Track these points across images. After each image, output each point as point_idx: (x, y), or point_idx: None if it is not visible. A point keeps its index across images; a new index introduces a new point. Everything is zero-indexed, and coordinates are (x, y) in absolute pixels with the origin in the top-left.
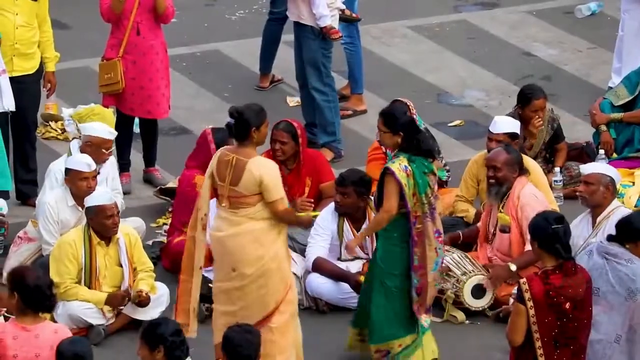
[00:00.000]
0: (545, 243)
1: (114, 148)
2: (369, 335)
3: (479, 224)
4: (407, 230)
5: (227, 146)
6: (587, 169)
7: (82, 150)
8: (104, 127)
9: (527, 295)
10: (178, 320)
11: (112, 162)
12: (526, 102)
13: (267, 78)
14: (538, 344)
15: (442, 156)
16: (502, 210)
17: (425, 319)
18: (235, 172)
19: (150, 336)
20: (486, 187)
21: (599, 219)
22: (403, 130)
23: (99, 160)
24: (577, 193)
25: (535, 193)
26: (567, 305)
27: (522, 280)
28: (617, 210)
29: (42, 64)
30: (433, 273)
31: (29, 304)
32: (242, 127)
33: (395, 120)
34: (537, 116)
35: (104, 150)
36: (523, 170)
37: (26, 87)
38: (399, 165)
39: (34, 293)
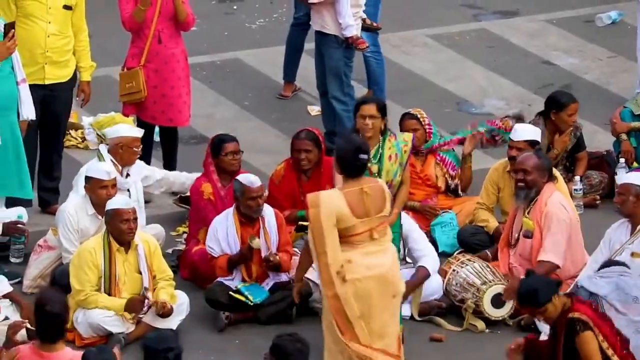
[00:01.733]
0: None
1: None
2: None
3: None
4: None
5: (334, 189)
6: (620, 178)
7: (113, 152)
8: (130, 127)
9: (584, 318)
10: None
11: (138, 170)
12: (562, 106)
13: (290, 87)
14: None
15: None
16: (527, 216)
17: None
18: (375, 200)
19: (144, 347)
20: (514, 191)
21: (639, 226)
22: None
23: (131, 161)
24: (616, 205)
25: (563, 203)
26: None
27: (573, 315)
28: None
29: (76, 73)
30: None
31: (43, 334)
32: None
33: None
34: (572, 119)
35: (134, 149)
36: (552, 177)
37: (59, 95)
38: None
39: (49, 324)
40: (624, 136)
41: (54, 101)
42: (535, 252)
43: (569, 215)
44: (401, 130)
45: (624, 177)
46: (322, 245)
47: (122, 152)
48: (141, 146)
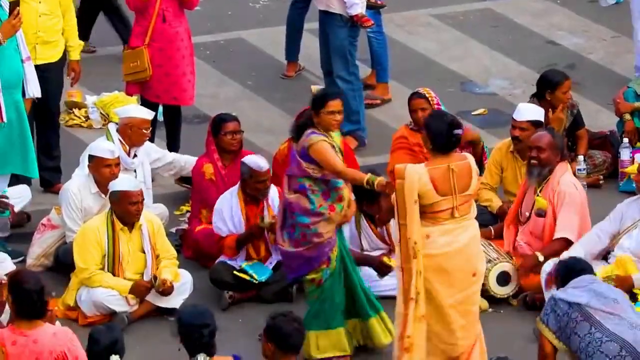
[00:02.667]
0: None
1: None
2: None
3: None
4: None
5: (420, 164)
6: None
7: (122, 132)
8: (141, 108)
9: None
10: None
11: (146, 151)
12: (556, 85)
13: (293, 66)
14: None
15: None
16: (539, 194)
17: None
18: (466, 178)
19: (176, 320)
20: (526, 168)
21: None
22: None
23: (139, 142)
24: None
25: (575, 182)
26: None
27: None
28: None
29: (65, 53)
30: None
31: (20, 310)
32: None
33: None
34: (567, 96)
35: (144, 131)
36: (565, 156)
37: (49, 75)
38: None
39: (24, 300)
40: (627, 116)
41: (45, 81)
42: (548, 230)
43: (579, 194)
44: (410, 109)
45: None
46: (403, 218)
47: (130, 133)
48: (150, 128)
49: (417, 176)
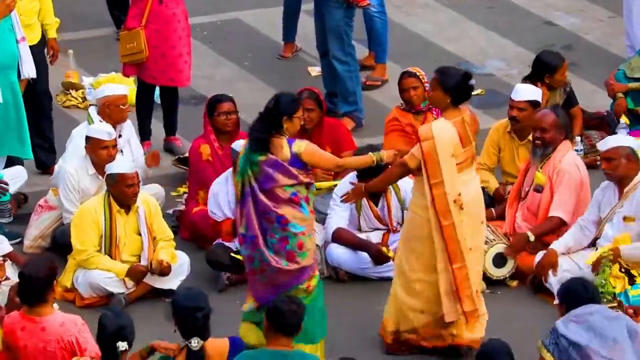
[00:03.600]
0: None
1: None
2: None
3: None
4: None
5: (441, 119)
6: (604, 144)
7: (102, 113)
8: (115, 85)
9: None
10: (465, 308)
11: (129, 124)
12: (555, 68)
13: (290, 47)
14: None
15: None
16: (540, 170)
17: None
18: (472, 127)
19: (171, 303)
20: (531, 148)
21: (625, 189)
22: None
23: (120, 118)
24: (604, 171)
25: (577, 162)
26: None
27: None
28: None
29: (43, 33)
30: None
31: (24, 295)
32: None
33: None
34: (565, 77)
35: (122, 107)
36: (569, 134)
37: (33, 58)
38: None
39: (28, 286)
40: (620, 94)
41: None
42: (543, 207)
43: (580, 175)
44: (400, 89)
45: (606, 142)
46: (436, 176)
47: (109, 112)
48: (128, 104)
49: (448, 130)
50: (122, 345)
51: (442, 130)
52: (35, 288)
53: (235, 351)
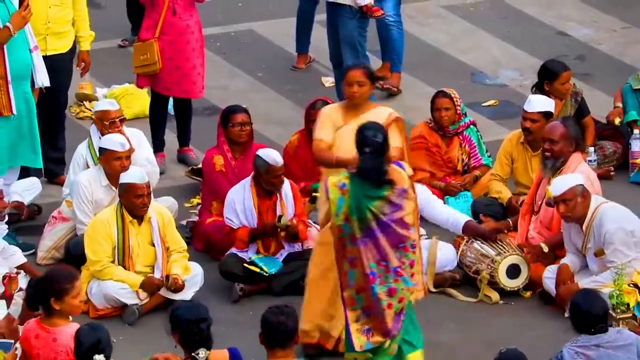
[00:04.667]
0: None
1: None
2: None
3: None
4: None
5: None
6: (557, 188)
7: (99, 128)
8: (104, 101)
9: None
10: None
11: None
12: (554, 76)
13: (303, 58)
14: None
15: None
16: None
17: (366, 342)
18: None
19: (170, 318)
20: (541, 160)
21: (584, 226)
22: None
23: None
24: (562, 215)
25: (589, 174)
26: None
27: None
28: (597, 211)
29: (75, 43)
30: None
31: (31, 304)
32: None
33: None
34: (566, 87)
35: (105, 123)
36: (580, 146)
37: (59, 66)
38: (337, 180)
39: (34, 295)
40: (618, 104)
41: (55, 72)
42: (556, 221)
43: (593, 188)
44: (433, 107)
45: (557, 185)
46: None
47: (101, 126)
48: (116, 119)
49: None
50: (99, 358)
51: None
52: (34, 293)
53: (236, 358)
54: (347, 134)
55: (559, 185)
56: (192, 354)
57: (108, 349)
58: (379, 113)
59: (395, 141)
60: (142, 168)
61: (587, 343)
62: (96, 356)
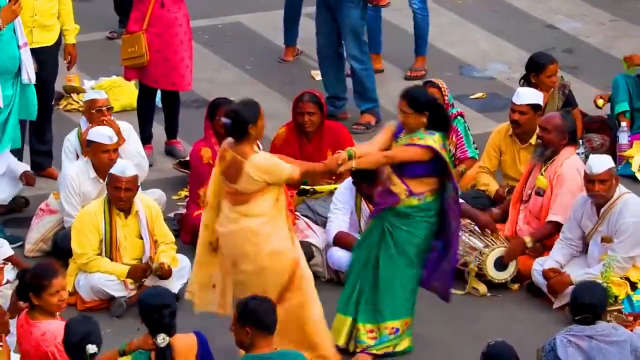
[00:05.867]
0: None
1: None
2: (374, 313)
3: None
4: (443, 206)
5: (228, 140)
6: (598, 166)
7: (88, 118)
8: (93, 92)
9: None
10: None
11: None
12: (541, 68)
13: (291, 51)
14: None
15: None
16: (543, 173)
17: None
18: (233, 170)
19: (138, 302)
20: (533, 146)
21: (603, 209)
22: (429, 110)
23: (98, 122)
24: (594, 192)
25: (579, 167)
26: None
27: None
28: (620, 199)
29: (61, 36)
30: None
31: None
32: (239, 126)
33: (419, 100)
34: (552, 80)
35: (93, 112)
36: (574, 140)
37: (45, 59)
38: (439, 145)
39: (24, 287)
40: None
41: (41, 65)
42: (544, 210)
43: (581, 179)
44: None
45: (598, 163)
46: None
47: (89, 116)
48: (103, 107)
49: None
50: (91, 348)
51: None
52: (23, 285)
53: (203, 343)
54: None
55: (599, 164)
56: (153, 338)
57: (99, 340)
58: None
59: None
60: (132, 159)
61: (580, 333)
62: (89, 346)
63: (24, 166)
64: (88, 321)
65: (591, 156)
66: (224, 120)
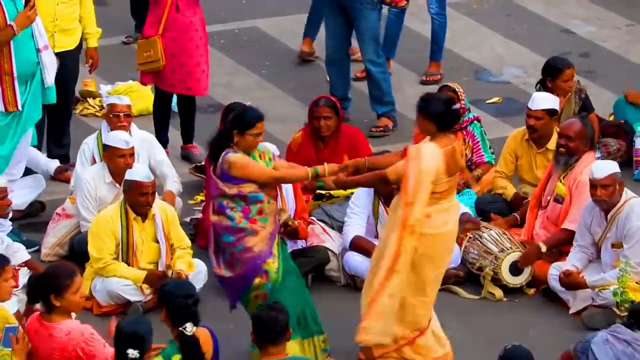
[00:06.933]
0: None
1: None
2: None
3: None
4: None
5: (431, 144)
6: (601, 171)
7: (108, 122)
8: (114, 96)
9: None
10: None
11: (149, 145)
12: (557, 72)
13: (309, 42)
14: None
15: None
16: (562, 181)
17: None
18: (459, 158)
19: (159, 294)
20: (554, 156)
21: (610, 214)
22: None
23: (115, 127)
24: (596, 197)
25: None
26: None
27: None
28: (627, 203)
29: (81, 40)
30: None
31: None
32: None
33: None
34: (568, 85)
35: (111, 116)
36: (593, 146)
37: (67, 63)
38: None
39: (34, 290)
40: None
41: (62, 69)
42: (562, 218)
43: None
44: None
45: (600, 168)
46: (412, 197)
47: (108, 120)
48: (125, 113)
49: (435, 157)
50: (132, 354)
51: (430, 155)
52: (33, 287)
53: (215, 337)
54: None
55: (601, 169)
56: (180, 328)
57: (144, 346)
58: None
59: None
60: (173, 185)
61: (621, 335)
62: (130, 351)
63: (55, 162)
64: (141, 324)
65: (595, 161)
66: (455, 106)
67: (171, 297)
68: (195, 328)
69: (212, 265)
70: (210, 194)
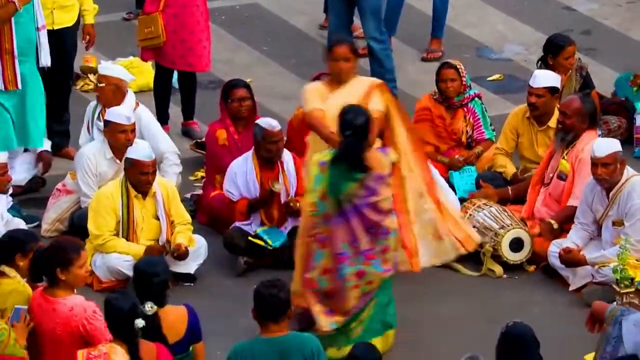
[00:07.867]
0: None
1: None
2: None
3: (535, 173)
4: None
5: None
6: (602, 149)
7: (99, 92)
8: (120, 68)
9: None
10: None
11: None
12: (559, 50)
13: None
14: None
15: None
16: (565, 157)
17: (330, 322)
18: None
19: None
20: (555, 133)
21: (612, 193)
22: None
23: (116, 102)
24: (597, 175)
25: None
26: None
27: None
28: (629, 182)
29: (79, 16)
30: (340, 281)
31: (35, 275)
32: None
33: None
34: (569, 62)
35: (98, 84)
36: (594, 123)
37: (66, 40)
38: (319, 157)
39: (40, 265)
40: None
41: (61, 46)
42: (565, 194)
43: None
44: (438, 79)
45: (602, 146)
46: None
47: (108, 90)
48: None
49: None
50: (139, 323)
51: None
52: (33, 265)
53: (193, 315)
54: (333, 107)
55: (602, 148)
56: (141, 305)
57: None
58: (362, 81)
59: (377, 105)
60: (171, 167)
61: None
62: (137, 321)
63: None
64: (128, 295)
65: (597, 139)
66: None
67: (137, 273)
68: (155, 308)
69: (381, 269)
70: (373, 199)
